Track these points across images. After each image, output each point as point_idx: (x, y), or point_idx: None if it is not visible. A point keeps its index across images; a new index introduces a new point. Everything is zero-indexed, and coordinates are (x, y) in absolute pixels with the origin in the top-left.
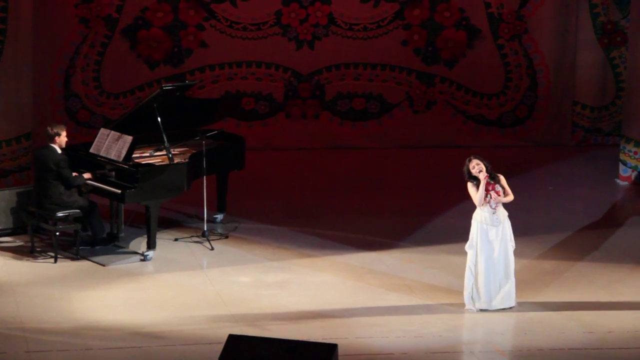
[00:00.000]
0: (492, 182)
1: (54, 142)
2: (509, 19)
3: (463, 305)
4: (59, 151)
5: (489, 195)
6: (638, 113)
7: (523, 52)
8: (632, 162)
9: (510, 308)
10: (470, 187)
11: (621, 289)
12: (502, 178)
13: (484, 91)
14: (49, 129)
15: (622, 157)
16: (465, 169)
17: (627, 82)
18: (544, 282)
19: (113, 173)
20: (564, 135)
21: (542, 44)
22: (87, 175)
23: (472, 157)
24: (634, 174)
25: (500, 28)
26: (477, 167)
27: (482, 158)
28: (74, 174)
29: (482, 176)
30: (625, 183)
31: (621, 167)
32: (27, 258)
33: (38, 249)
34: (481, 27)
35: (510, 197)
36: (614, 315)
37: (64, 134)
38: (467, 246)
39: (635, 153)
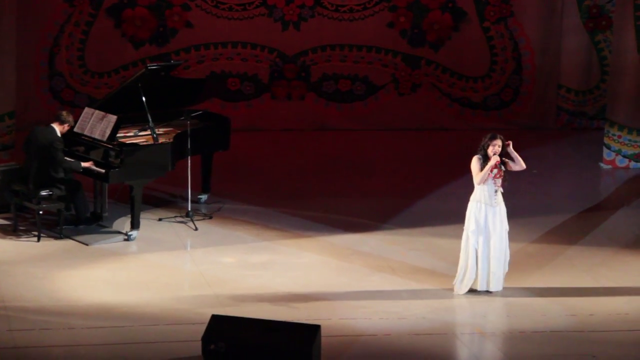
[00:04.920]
0: (499, 169)
1: (58, 124)
2: (494, 2)
3: (447, 287)
4: (58, 134)
5: (494, 171)
6: (622, 97)
7: (509, 35)
8: (616, 146)
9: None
10: (475, 160)
11: (604, 272)
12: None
13: (470, 74)
14: (64, 112)
15: (606, 140)
16: (483, 143)
17: (611, 66)
18: (527, 266)
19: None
20: (549, 119)
21: (527, 28)
22: (86, 164)
23: (496, 136)
24: None
25: (486, 11)
26: (496, 148)
27: (504, 142)
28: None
29: (494, 160)
30: (609, 167)
31: (605, 150)
32: (10, 237)
33: (21, 228)
34: (467, 9)
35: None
36: (596, 299)
37: (68, 125)
38: (468, 228)
39: (619, 137)
